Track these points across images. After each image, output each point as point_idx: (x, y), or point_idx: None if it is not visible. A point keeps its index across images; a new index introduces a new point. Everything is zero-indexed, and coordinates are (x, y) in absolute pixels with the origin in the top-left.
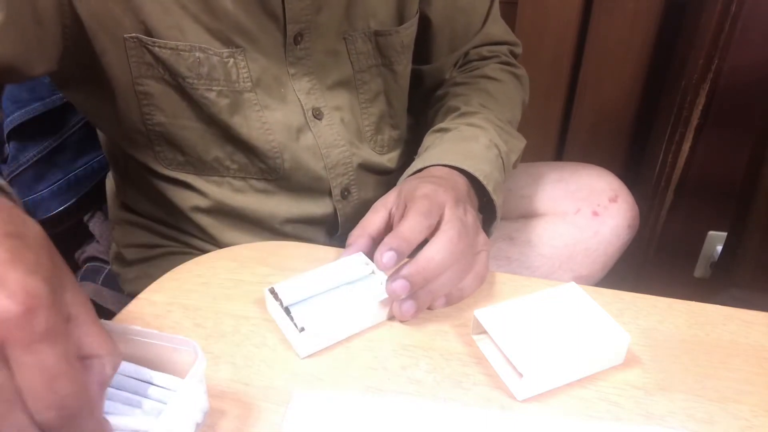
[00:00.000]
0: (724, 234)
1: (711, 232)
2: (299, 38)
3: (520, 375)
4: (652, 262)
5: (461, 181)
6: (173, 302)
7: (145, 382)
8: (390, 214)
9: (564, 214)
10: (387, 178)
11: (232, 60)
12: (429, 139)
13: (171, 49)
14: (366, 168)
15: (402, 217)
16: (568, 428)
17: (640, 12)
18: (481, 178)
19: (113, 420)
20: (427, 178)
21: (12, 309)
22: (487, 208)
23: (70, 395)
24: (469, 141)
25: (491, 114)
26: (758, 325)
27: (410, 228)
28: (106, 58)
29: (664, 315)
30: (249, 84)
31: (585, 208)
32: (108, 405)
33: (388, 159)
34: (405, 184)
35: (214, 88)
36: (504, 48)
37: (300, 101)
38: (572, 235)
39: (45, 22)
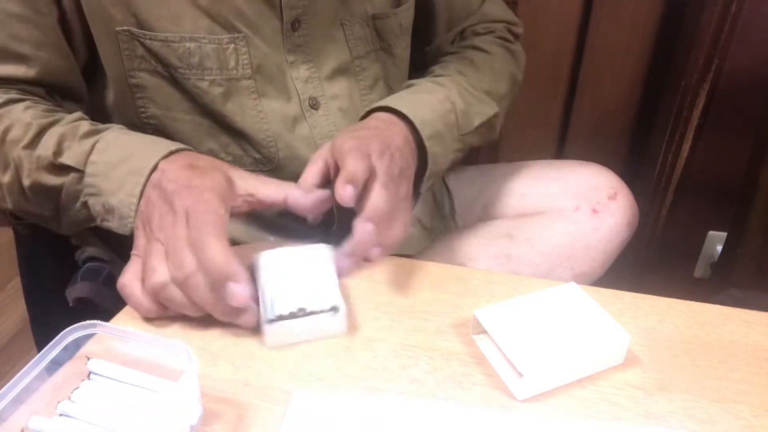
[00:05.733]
0: (724, 234)
1: (711, 232)
2: (297, 24)
3: (520, 375)
4: (652, 262)
5: (398, 129)
6: None
7: (138, 386)
8: (326, 164)
9: (564, 211)
10: None
11: (232, 46)
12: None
13: (161, 40)
14: None
15: (338, 168)
16: (568, 428)
17: (640, 12)
18: (416, 123)
19: (106, 425)
20: (361, 128)
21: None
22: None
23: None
24: (422, 93)
25: (463, 79)
26: (758, 325)
27: (355, 168)
28: (101, 49)
29: (664, 315)
30: (249, 71)
31: (585, 205)
32: (100, 409)
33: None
34: (338, 135)
35: (207, 77)
36: (500, 25)
37: (297, 90)
38: (572, 232)
39: (69, 12)
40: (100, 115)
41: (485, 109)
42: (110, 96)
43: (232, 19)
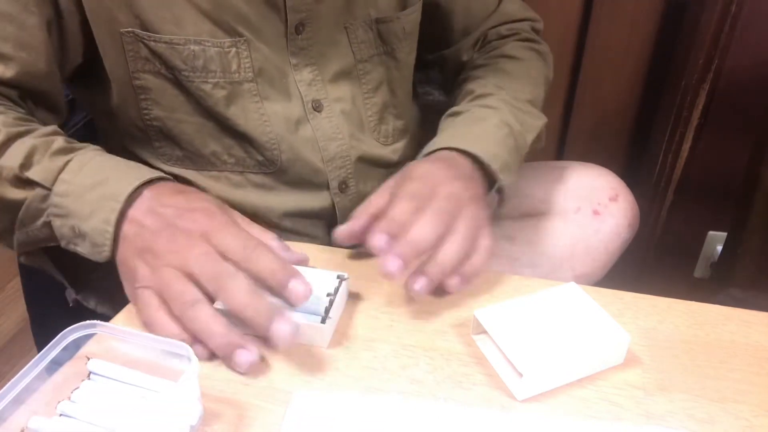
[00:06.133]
0: (724, 234)
1: (711, 232)
2: (301, 28)
3: (520, 375)
4: (652, 262)
5: (464, 163)
6: None
7: (138, 386)
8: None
9: (564, 212)
10: (389, 171)
11: (234, 50)
12: (443, 124)
13: (166, 42)
14: (366, 161)
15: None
16: (568, 428)
17: (640, 12)
18: (484, 158)
19: (106, 425)
20: (428, 160)
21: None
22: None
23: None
24: (478, 122)
25: (506, 94)
26: (758, 325)
27: (400, 210)
28: (104, 51)
29: (664, 315)
30: (250, 74)
31: (585, 206)
32: (100, 409)
33: (393, 150)
34: (407, 165)
35: (210, 80)
36: (525, 24)
37: (300, 93)
38: (573, 233)
39: (67, 13)
40: (101, 117)
41: (536, 122)
42: (112, 98)
43: (233, 23)
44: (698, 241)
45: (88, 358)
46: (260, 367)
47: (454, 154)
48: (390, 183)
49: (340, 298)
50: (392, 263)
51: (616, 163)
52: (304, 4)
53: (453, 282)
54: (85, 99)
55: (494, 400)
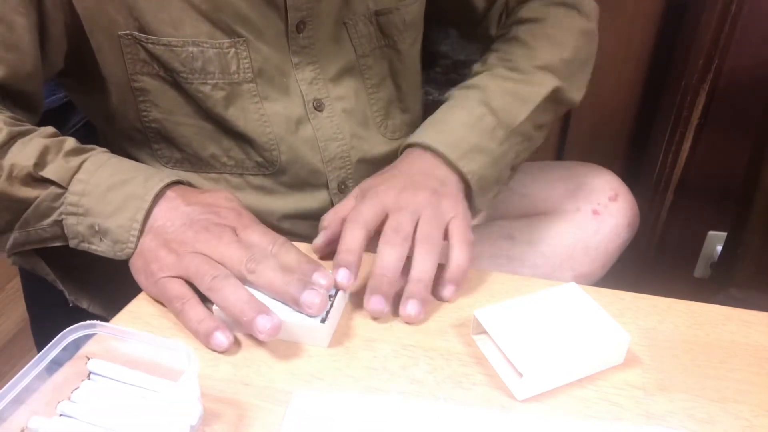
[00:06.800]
0: (724, 234)
1: (711, 232)
2: (302, 26)
3: (520, 375)
4: (652, 262)
5: (427, 159)
6: None
7: (138, 386)
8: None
9: (564, 212)
10: None
11: (233, 50)
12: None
13: (164, 45)
14: (367, 162)
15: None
16: (568, 428)
17: (640, 12)
18: (439, 148)
19: (106, 425)
20: (383, 174)
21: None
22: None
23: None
24: (452, 109)
25: (505, 67)
26: (758, 325)
27: (351, 237)
28: (101, 55)
29: (664, 315)
30: (250, 75)
31: (585, 206)
32: (100, 409)
33: (400, 145)
34: (365, 183)
35: (209, 81)
36: None
37: (301, 92)
38: (573, 233)
39: (50, 19)
40: (99, 120)
41: (538, 90)
42: (111, 101)
43: (232, 24)
44: (698, 241)
45: (88, 358)
46: (260, 367)
47: (417, 152)
48: (356, 192)
49: (340, 298)
50: (376, 304)
51: (616, 163)
52: (304, 2)
53: (446, 293)
54: (83, 102)
55: (494, 400)
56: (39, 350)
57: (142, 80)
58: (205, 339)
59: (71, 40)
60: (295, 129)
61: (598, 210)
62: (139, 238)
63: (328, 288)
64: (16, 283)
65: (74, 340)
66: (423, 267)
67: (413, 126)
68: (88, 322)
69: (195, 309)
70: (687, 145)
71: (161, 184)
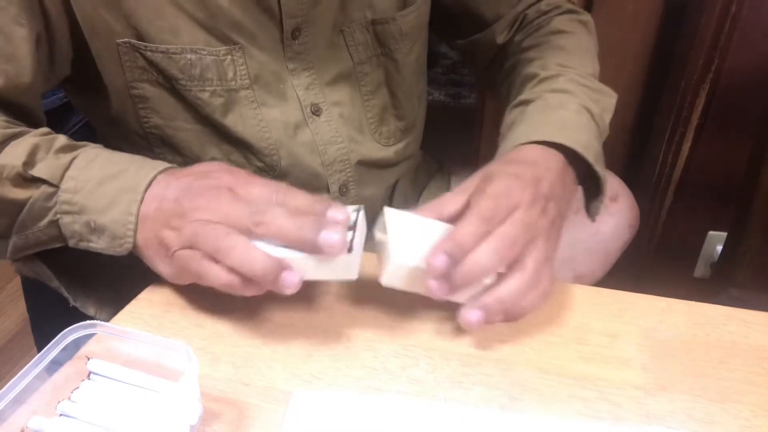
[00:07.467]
0: (724, 234)
1: (711, 232)
2: (297, 33)
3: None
4: (652, 262)
5: (554, 162)
6: (173, 303)
7: (138, 386)
8: (469, 200)
9: None
10: (389, 172)
11: (229, 57)
12: (511, 115)
13: (162, 52)
14: (366, 164)
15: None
16: (568, 428)
17: (640, 12)
18: (580, 150)
19: (106, 425)
20: (513, 164)
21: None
22: (589, 181)
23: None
24: (556, 109)
25: (573, 73)
26: (758, 325)
27: (468, 233)
28: (101, 61)
29: (664, 315)
30: (247, 81)
31: None
32: (100, 409)
33: (394, 151)
34: (488, 168)
35: (207, 88)
36: None
37: (298, 97)
38: (573, 234)
39: (56, 26)
40: (101, 124)
41: (610, 101)
42: (112, 107)
43: (227, 31)
44: (698, 241)
45: (88, 358)
46: (260, 367)
47: (540, 150)
48: (467, 185)
49: (360, 230)
50: (472, 315)
51: (616, 163)
52: (299, 9)
53: (496, 318)
54: (85, 107)
55: (494, 400)
56: (39, 350)
57: (141, 87)
58: (272, 285)
59: (74, 47)
60: (293, 134)
61: None
62: (135, 231)
63: (346, 224)
64: (16, 283)
65: (74, 340)
66: (514, 290)
67: (408, 132)
68: (88, 322)
69: (218, 270)
70: (687, 145)
71: (153, 173)
